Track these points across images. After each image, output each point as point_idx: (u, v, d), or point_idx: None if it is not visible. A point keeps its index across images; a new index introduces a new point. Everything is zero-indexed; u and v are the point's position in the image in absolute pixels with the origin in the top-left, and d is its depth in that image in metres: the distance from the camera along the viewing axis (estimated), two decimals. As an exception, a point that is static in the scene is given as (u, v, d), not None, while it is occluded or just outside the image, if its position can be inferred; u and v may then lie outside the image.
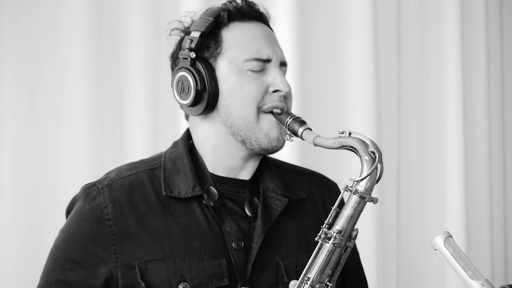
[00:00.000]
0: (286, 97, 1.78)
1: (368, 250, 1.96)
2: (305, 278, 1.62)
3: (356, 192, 1.62)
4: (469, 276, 1.48)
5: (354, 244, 1.93)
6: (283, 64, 1.81)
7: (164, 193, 1.75)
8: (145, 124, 2.65)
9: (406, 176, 3.27)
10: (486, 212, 3.39)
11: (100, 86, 2.59)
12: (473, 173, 3.35)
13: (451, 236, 1.53)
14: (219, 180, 1.80)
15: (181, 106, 1.82)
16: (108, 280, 1.71)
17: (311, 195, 1.85)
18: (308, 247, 1.72)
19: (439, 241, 1.52)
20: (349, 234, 1.64)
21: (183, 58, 1.78)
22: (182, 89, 1.79)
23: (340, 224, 1.63)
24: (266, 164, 1.86)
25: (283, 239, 1.78)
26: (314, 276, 1.62)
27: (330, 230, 1.63)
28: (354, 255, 1.95)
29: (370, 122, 2.97)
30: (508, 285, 1.47)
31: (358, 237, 1.96)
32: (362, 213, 1.80)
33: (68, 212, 1.79)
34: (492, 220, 3.44)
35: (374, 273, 1.96)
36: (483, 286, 1.47)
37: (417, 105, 3.27)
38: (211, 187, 1.77)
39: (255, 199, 1.80)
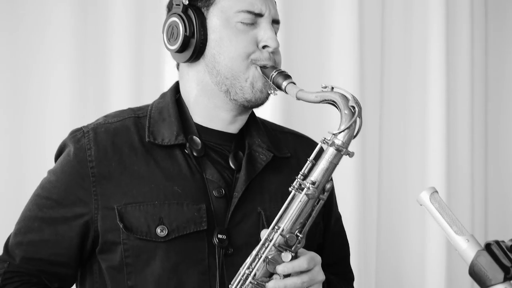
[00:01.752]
0: (275, 53, 1.78)
1: (349, 206, 1.99)
2: (276, 227, 1.64)
3: (333, 144, 1.64)
4: (454, 232, 1.48)
5: (336, 207, 1.96)
6: (275, 22, 1.81)
7: (147, 139, 1.77)
8: (128, 80, 2.67)
9: (388, 132, 3.28)
10: (467, 170, 3.42)
11: (83, 40, 2.61)
12: (455, 129, 3.37)
13: (437, 192, 1.53)
14: (205, 131, 1.81)
15: (171, 53, 1.83)
16: (87, 223, 1.73)
17: (296, 155, 1.87)
18: None
19: (424, 196, 1.52)
20: (323, 187, 1.65)
21: (176, 5, 1.80)
22: (171, 34, 1.81)
23: (314, 175, 1.64)
24: (254, 121, 1.88)
25: (266, 191, 1.80)
26: (284, 225, 1.64)
27: (304, 181, 1.64)
28: (336, 217, 1.96)
29: (353, 80, 2.99)
30: (493, 241, 1.45)
31: (339, 194, 2.00)
32: (344, 169, 1.83)
33: (57, 156, 1.82)
34: (473, 178, 3.47)
35: (354, 230, 1.98)
36: (468, 241, 1.47)
37: (400, 63, 3.28)
38: (195, 137, 1.79)
39: (240, 152, 1.82)
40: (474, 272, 1.45)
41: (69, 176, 1.75)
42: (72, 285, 1.83)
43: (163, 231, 1.71)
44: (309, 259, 1.65)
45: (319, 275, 1.68)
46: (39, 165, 2.44)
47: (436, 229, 3.21)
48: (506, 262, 1.44)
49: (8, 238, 1.80)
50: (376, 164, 3.24)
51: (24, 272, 1.76)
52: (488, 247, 1.46)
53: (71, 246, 1.75)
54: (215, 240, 1.72)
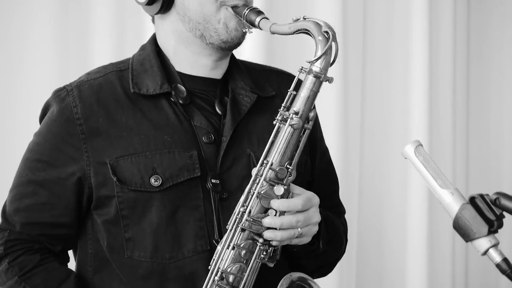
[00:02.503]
0: None
1: (331, 148, 2.00)
2: (265, 162, 1.64)
3: (310, 72, 1.63)
4: (439, 185, 1.48)
5: (322, 141, 1.95)
6: None
7: (132, 90, 1.77)
8: (110, 31, 2.68)
9: (371, 81, 3.29)
10: (449, 123, 3.43)
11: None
12: (437, 81, 3.37)
13: (422, 145, 1.53)
14: (188, 79, 1.81)
15: (142, 6, 1.82)
16: (80, 180, 1.73)
17: (280, 92, 1.85)
18: None
19: (409, 149, 1.52)
20: (307, 116, 1.65)
21: None
22: None
23: (297, 105, 1.64)
24: (236, 64, 1.87)
25: (253, 133, 1.80)
26: (273, 159, 1.64)
27: (287, 112, 1.64)
28: (322, 151, 1.96)
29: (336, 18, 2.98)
30: (478, 194, 1.45)
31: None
32: (326, 122, 1.83)
33: (42, 117, 1.82)
34: (455, 133, 3.48)
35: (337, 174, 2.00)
36: (453, 194, 1.46)
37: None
38: (179, 85, 1.78)
39: (226, 97, 1.81)
40: (458, 226, 1.45)
41: (58, 136, 1.75)
42: (74, 246, 1.83)
43: (157, 180, 1.71)
44: (305, 199, 1.65)
45: (315, 216, 1.68)
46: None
47: (418, 181, 3.23)
48: (490, 215, 1.44)
49: (4, 206, 1.81)
50: (358, 118, 3.25)
51: (25, 239, 1.77)
52: (472, 200, 1.45)
53: (68, 205, 1.75)
54: (209, 185, 1.72)
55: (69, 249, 1.84)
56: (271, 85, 1.88)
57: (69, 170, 1.73)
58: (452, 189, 1.48)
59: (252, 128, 1.80)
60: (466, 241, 1.45)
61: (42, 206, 1.75)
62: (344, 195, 2.04)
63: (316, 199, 1.69)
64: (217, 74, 1.83)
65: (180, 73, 1.81)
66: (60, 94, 1.77)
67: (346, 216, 2.01)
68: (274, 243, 1.64)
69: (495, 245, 1.43)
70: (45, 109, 1.81)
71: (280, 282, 1.62)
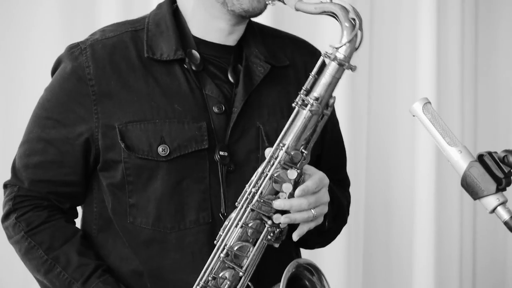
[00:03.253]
0: None
1: (338, 117, 1.98)
2: (281, 144, 1.63)
3: (335, 59, 1.60)
4: (447, 143, 1.48)
5: (334, 113, 1.92)
6: None
7: (146, 55, 1.73)
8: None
9: (379, 44, 3.27)
10: (457, 80, 3.41)
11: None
12: (445, 39, 3.34)
13: (430, 103, 1.51)
14: (203, 44, 1.77)
15: None
16: (88, 141, 1.72)
17: (294, 62, 1.83)
18: (289, 114, 1.69)
19: (417, 107, 1.51)
20: (326, 102, 1.63)
21: None
22: None
23: (317, 91, 1.62)
24: (252, 31, 1.83)
25: (264, 105, 1.77)
26: (289, 143, 1.62)
27: (307, 97, 1.62)
28: (333, 123, 1.93)
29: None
30: (486, 152, 1.45)
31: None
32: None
33: (53, 71, 1.79)
34: (463, 90, 3.46)
35: (344, 137, 1.99)
36: (461, 152, 1.46)
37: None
38: (193, 51, 1.75)
39: (239, 65, 1.78)
40: (466, 183, 1.45)
41: (69, 94, 1.73)
42: (82, 203, 1.82)
43: (165, 150, 1.69)
44: (317, 181, 1.65)
45: (325, 197, 1.68)
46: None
47: (426, 139, 3.22)
48: (498, 173, 1.44)
49: (14, 161, 1.80)
50: (366, 76, 3.23)
51: (34, 196, 1.76)
52: (480, 158, 1.45)
53: (76, 164, 1.74)
54: (217, 157, 1.71)
55: (78, 206, 1.84)
56: (285, 53, 1.85)
57: (78, 130, 1.72)
58: (461, 147, 1.48)
59: (263, 100, 1.77)
60: (474, 199, 1.45)
61: (50, 164, 1.74)
62: (352, 162, 2.02)
63: (326, 180, 1.68)
64: (232, 40, 1.79)
65: (194, 38, 1.77)
66: (74, 52, 1.75)
67: (353, 185, 2.01)
68: (283, 226, 1.64)
69: (503, 203, 1.44)
70: (57, 64, 1.78)
71: (287, 268, 1.62)
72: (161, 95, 1.72)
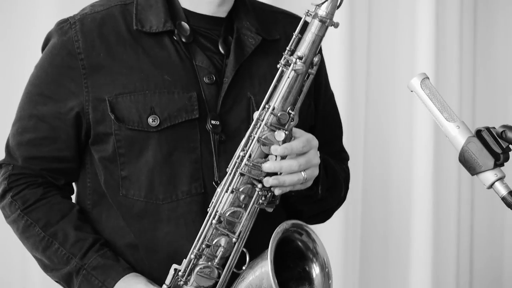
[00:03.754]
0: None
1: (337, 92, 1.97)
2: (267, 106, 1.62)
3: (316, 16, 1.60)
4: (445, 118, 1.47)
5: (327, 85, 1.92)
6: None
7: (135, 27, 1.73)
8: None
9: (377, 20, 3.25)
10: (455, 55, 3.40)
11: None
12: (444, 8, 3.33)
13: (428, 78, 1.50)
14: (193, 16, 1.77)
15: None
16: (79, 115, 1.72)
17: (285, 36, 1.81)
18: None
19: (415, 82, 1.50)
20: (311, 61, 1.62)
21: None
22: None
23: (301, 50, 1.61)
24: (242, 2, 1.83)
25: (255, 75, 1.76)
26: (275, 104, 1.61)
27: (291, 57, 1.61)
28: (327, 96, 1.92)
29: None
30: (484, 127, 1.44)
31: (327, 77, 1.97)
32: (331, 65, 1.79)
33: (43, 48, 1.80)
34: (462, 66, 3.45)
35: (342, 116, 1.97)
36: (459, 127, 1.45)
37: None
38: (183, 22, 1.75)
39: (230, 37, 1.78)
40: (464, 159, 1.45)
41: (59, 69, 1.73)
42: (77, 179, 1.82)
43: (155, 120, 1.69)
44: (305, 141, 1.63)
45: (315, 158, 1.66)
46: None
47: (424, 115, 3.22)
48: (496, 148, 1.43)
49: (8, 140, 1.80)
50: (364, 51, 3.21)
51: (28, 174, 1.76)
52: (478, 133, 1.45)
53: (69, 140, 1.74)
54: (209, 126, 1.70)
55: (73, 182, 1.84)
56: (277, 28, 1.84)
57: (69, 105, 1.72)
58: (458, 122, 1.47)
59: (254, 70, 1.77)
60: (472, 174, 1.44)
61: (43, 141, 1.74)
62: (349, 139, 2.01)
63: (315, 141, 1.66)
64: (223, 11, 1.79)
65: (184, 10, 1.77)
66: (63, 27, 1.75)
67: (351, 161, 2.00)
68: (277, 191, 1.63)
69: (501, 178, 1.43)
70: (47, 40, 1.79)
71: (275, 230, 1.60)
72: (150, 66, 1.71)
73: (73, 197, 1.84)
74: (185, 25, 1.75)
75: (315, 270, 1.67)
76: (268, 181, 1.61)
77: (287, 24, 1.85)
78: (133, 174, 1.71)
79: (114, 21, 1.74)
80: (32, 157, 1.76)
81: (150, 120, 1.69)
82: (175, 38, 1.73)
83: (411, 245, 3.30)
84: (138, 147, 1.71)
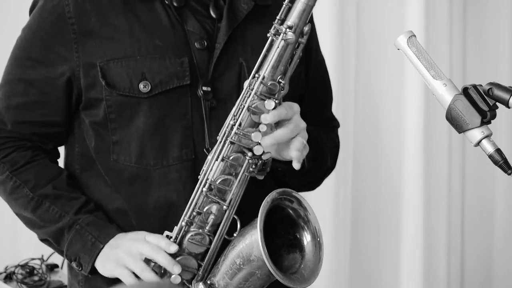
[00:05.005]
0: None
1: (326, 52, 1.96)
2: (256, 75, 1.61)
3: None
4: (432, 76, 1.46)
5: (318, 52, 1.90)
6: None
7: None
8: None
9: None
10: (446, 14, 3.37)
11: None
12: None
13: (415, 36, 1.49)
14: None
15: None
16: (70, 80, 1.71)
17: (277, 1, 1.76)
18: None
19: (402, 40, 1.49)
20: (301, 30, 1.60)
21: None
22: None
23: (291, 19, 1.60)
24: None
25: (248, 41, 1.75)
26: (265, 73, 1.60)
27: (281, 26, 1.60)
28: (318, 61, 1.90)
29: None
30: (471, 85, 1.43)
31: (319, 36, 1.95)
32: (320, 32, 1.78)
33: (31, 10, 1.77)
34: (452, 23, 3.43)
35: (332, 77, 1.96)
36: (446, 85, 1.45)
37: None
38: None
39: (221, 0, 1.76)
40: (451, 117, 1.44)
41: (49, 34, 1.71)
42: (65, 143, 1.82)
43: (146, 86, 1.68)
44: (287, 107, 1.63)
45: (301, 121, 1.66)
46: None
47: (415, 79, 3.21)
48: (483, 106, 1.42)
49: None
50: (354, 15, 3.20)
51: (17, 137, 1.75)
52: (465, 91, 1.44)
53: (58, 104, 1.73)
54: (200, 93, 1.69)
55: (60, 146, 1.83)
56: None
57: (59, 70, 1.70)
58: (445, 80, 1.46)
59: (247, 36, 1.75)
60: (459, 132, 1.44)
61: (32, 105, 1.73)
62: (339, 106, 2.00)
63: (296, 106, 1.65)
64: None
65: None
66: None
67: (341, 129, 1.98)
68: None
69: (487, 136, 1.42)
70: (35, 2, 1.76)
71: (265, 199, 1.60)
72: (141, 31, 1.70)
73: (60, 161, 1.84)
74: None
75: (306, 238, 1.67)
76: (260, 150, 1.61)
77: None
78: (124, 139, 1.71)
79: None
80: (21, 121, 1.74)
81: (141, 86, 1.68)
82: (166, 3, 1.71)
83: (402, 212, 3.30)
84: (129, 112, 1.70)
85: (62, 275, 2.49)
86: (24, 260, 2.53)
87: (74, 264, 1.72)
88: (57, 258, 2.47)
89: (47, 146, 1.79)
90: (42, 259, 2.52)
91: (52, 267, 2.53)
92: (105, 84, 1.68)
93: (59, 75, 1.71)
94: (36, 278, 2.47)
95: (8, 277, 2.47)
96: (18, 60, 1.75)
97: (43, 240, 1.77)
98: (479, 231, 3.60)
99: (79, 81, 1.70)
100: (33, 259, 2.53)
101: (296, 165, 1.65)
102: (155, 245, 1.64)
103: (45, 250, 2.27)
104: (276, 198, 1.63)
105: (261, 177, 1.66)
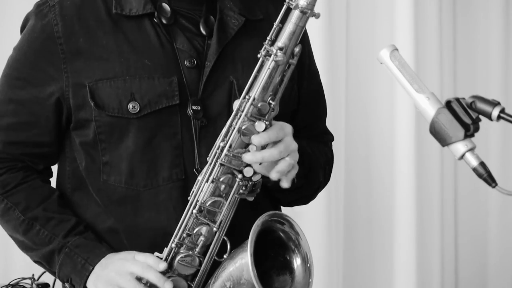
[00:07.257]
0: None
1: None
2: (247, 97, 1.60)
3: (297, 7, 1.57)
4: (415, 90, 1.45)
5: (312, 65, 1.89)
6: None
7: (114, 11, 1.70)
8: None
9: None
10: (435, 24, 3.38)
11: None
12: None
13: (397, 50, 1.49)
14: None
15: None
16: (59, 100, 1.70)
17: (268, 16, 1.78)
18: None
19: (384, 54, 1.48)
20: (292, 51, 1.60)
21: None
22: None
23: (282, 40, 1.58)
24: None
25: (238, 59, 1.74)
26: (255, 94, 1.59)
27: (271, 47, 1.59)
28: (311, 74, 1.88)
29: None
30: (453, 98, 1.42)
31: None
32: (313, 31, 1.76)
33: (22, 29, 1.77)
34: (442, 40, 3.44)
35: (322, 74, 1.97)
36: (429, 99, 1.44)
37: None
38: (164, 4, 1.71)
39: (211, 17, 1.74)
40: (434, 130, 1.44)
41: (38, 53, 1.71)
42: (56, 162, 1.82)
43: (135, 107, 1.67)
44: (278, 128, 1.61)
45: (292, 143, 1.64)
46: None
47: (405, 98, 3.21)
48: (466, 119, 1.42)
49: None
50: (344, 28, 3.21)
51: (8, 158, 1.75)
52: (448, 104, 1.43)
53: (48, 125, 1.73)
54: (190, 112, 1.68)
55: (52, 165, 1.83)
56: (259, 8, 1.80)
57: (48, 90, 1.70)
58: (428, 94, 1.46)
59: (237, 53, 1.74)
60: (443, 145, 1.44)
61: (22, 126, 1.73)
62: (330, 118, 1.99)
63: (288, 127, 1.64)
64: None
65: None
66: (42, 10, 1.71)
67: (333, 113, 1.96)
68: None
69: (471, 149, 1.42)
70: (25, 21, 1.75)
71: (255, 222, 1.59)
72: (130, 51, 1.69)
73: (53, 180, 1.84)
74: (166, 6, 1.72)
75: (297, 261, 1.66)
76: (250, 172, 1.60)
77: (269, 2, 1.82)
78: (114, 160, 1.70)
79: (94, 4, 1.71)
80: (11, 142, 1.74)
81: (130, 106, 1.67)
82: (156, 21, 1.71)
83: (395, 221, 3.29)
84: (118, 133, 1.69)
85: (53, 295, 2.48)
86: (14, 280, 2.53)
87: (67, 285, 1.72)
88: (48, 278, 2.46)
89: (38, 166, 1.78)
90: (33, 279, 2.51)
91: (43, 287, 2.53)
92: (94, 105, 1.67)
93: (48, 95, 1.70)
94: (26, 298, 2.46)
95: (-1, 297, 2.46)
96: (8, 80, 1.74)
97: (36, 261, 1.77)
98: (472, 234, 3.60)
99: (68, 102, 1.70)
100: (23, 278, 2.53)
101: (284, 184, 1.64)
102: (144, 263, 1.63)
103: (36, 270, 2.27)
104: (267, 220, 1.62)
105: (251, 199, 1.65)
